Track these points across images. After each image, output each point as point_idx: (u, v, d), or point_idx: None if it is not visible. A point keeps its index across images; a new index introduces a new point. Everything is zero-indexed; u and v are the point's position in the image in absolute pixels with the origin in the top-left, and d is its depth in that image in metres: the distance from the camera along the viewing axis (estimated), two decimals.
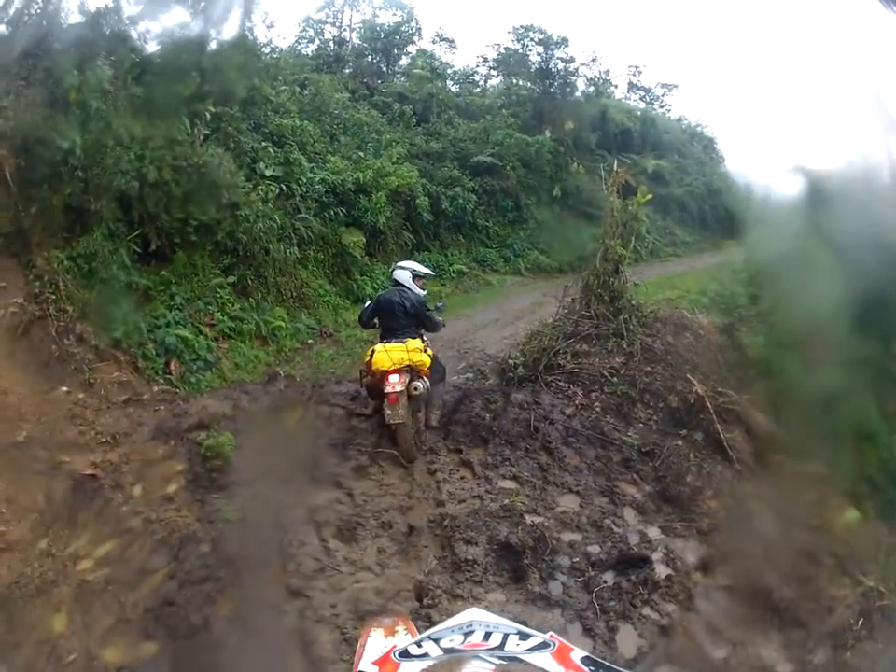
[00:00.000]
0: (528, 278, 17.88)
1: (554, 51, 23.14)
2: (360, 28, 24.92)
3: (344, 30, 24.92)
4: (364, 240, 15.77)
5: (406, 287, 8.60)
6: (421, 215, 17.51)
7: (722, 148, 24.05)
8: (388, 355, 7.86)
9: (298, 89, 18.97)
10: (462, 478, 8.08)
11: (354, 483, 7.90)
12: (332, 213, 15.56)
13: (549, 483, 7.99)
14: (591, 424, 8.96)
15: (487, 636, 1.85)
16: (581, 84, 24.02)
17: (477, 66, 25.53)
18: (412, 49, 25.28)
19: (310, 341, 13.21)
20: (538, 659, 1.67)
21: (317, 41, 24.98)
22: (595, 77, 24.30)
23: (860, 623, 7.25)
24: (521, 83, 23.79)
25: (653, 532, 7.52)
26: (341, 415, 9.32)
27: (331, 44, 24.72)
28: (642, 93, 26.21)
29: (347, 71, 23.91)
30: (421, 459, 8.38)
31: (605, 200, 11.11)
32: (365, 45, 24.79)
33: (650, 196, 11.35)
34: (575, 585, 6.66)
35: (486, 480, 7.98)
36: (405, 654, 1.80)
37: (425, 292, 8.90)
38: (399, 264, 9.07)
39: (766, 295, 11.12)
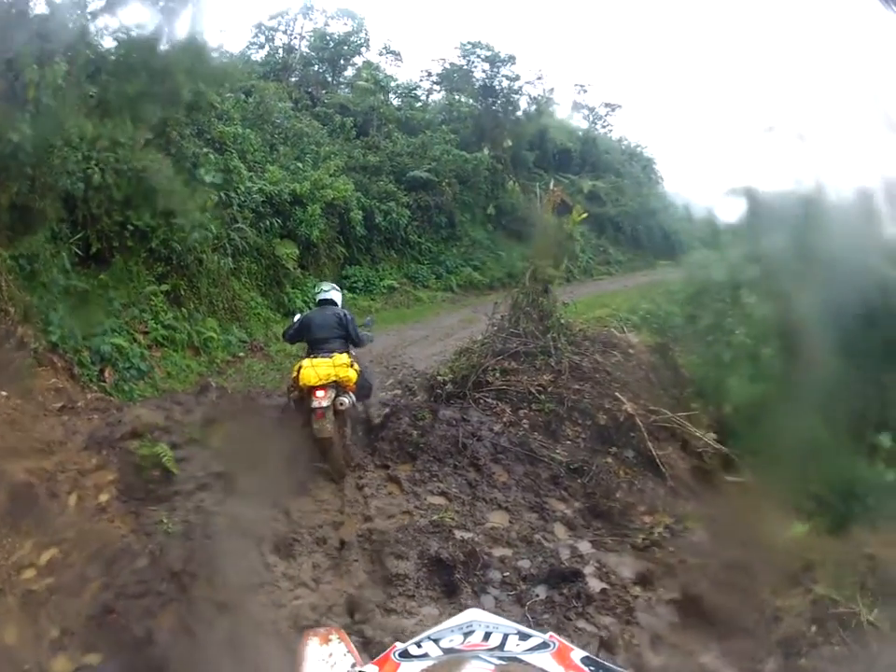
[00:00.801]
0: (460, 295, 17.99)
1: (500, 69, 23.25)
2: (310, 37, 24.77)
3: (294, 38, 24.82)
4: (297, 252, 15.76)
5: (336, 304, 8.73)
6: (354, 228, 17.53)
7: (661, 169, 24.43)
8: (315, 370, 7.85)
9: (243, 96, 18.82)
10: (390, 493, 8.08)
11: (290, 501, 7.83)
12: (268, 224, 15.51)
13: (478, 499, 8.04)
14: (519, 441, 8.98)
15: (487, 636, 1.86)
16: (523, 102, 24.15)
17: (420, 80, 25.54)
18: (358, 60, 25.24)
19: (241, 353, 13.17)
20: (537, 659, 1.68)
21: (267, 47, 24.84)
22: (539, 95, 24.43)
23: (812, 629, 7.44)
24: (463, 99, 23.79)
25: (584, 547, 7.59)
26: (274, 428, 9.33)
27: (280, 51, 24.58)
28: (586, 112, 26.50)
29: (294, 80, 23.80)
30: (350, 475, 8.34)
31: (539, 219, 11.26)
32: (313, 54, 24.65)
33: (584, 215, 11.52)
34: (507, 599, 6.70)
35: (415, 495, 8.00)
36: (405, 654, 1.82)
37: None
38: (325, 285, 9.13)
39: (705, 315, 11.33)
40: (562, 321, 10.75)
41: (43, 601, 6.40)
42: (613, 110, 26.60)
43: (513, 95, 23.80)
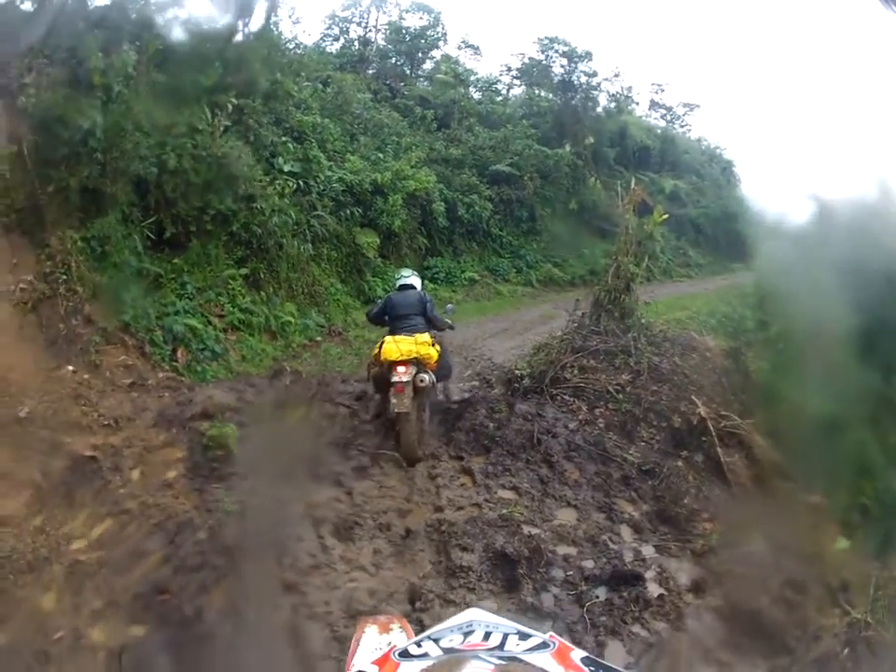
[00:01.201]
0: (539, 290, 17.81)
1: (578, 65, 23.08)
2: (386, 29, 24.79)
3: (370, 30, 24.86)
4: (378, 241, 15.82)
5: (417, 290, 8.94)
6: (436, 220, 17.53)
7: (740, 172, 24.00)
8: (397, 346, 8.06)
9: (320, 86, 18.95)
10: (462, 485, 8.08)
11: (354, 483, 7.91)
12: (348, 212, 15.57)
13: (548, 496, 7.98)
14: (593, 439, 8.93)
15: (487, 635, 1.85)
16: (602, 99, 23.96)
17: (500, 75, 25.39)
18: (436, 53, 25.17)
19: (318, 338, 13.22)
20: (537, 659, 1.67)
21: (342, 40, 24.83)
22: (617, 92, 24.22)
23: (845, 652, 7.29)
24: (543, 94, 23.70)
25: (648, 551, 7.50)
26: (345, 414, 9.40)
27: (356, 43, 24.63)
28: (663, 111, 26.13)
29: (371, 72, 23.88)
30: (422, 464, 8.39)
31: (620, 217, 11.13)
32: (389, 46, 24.70)
33: (666, 216, 11.41)
34: (567, 598, 6.63)
35: (486, 488, 7.98)
36: (405, 654, 1.80)
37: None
38: (405, 271, 9.44)
39: (774, 321, 11.12)
40: (643, 321, 10.72)
41: (90, 573, 6.53)
42: (691, 110, 26.27)
43: (592, 91, 23.66)
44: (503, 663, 1.61)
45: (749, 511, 8.76)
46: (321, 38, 24.60)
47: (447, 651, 1.78)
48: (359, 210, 15.88)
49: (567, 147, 20.33)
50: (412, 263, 16.10)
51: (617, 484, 8.38)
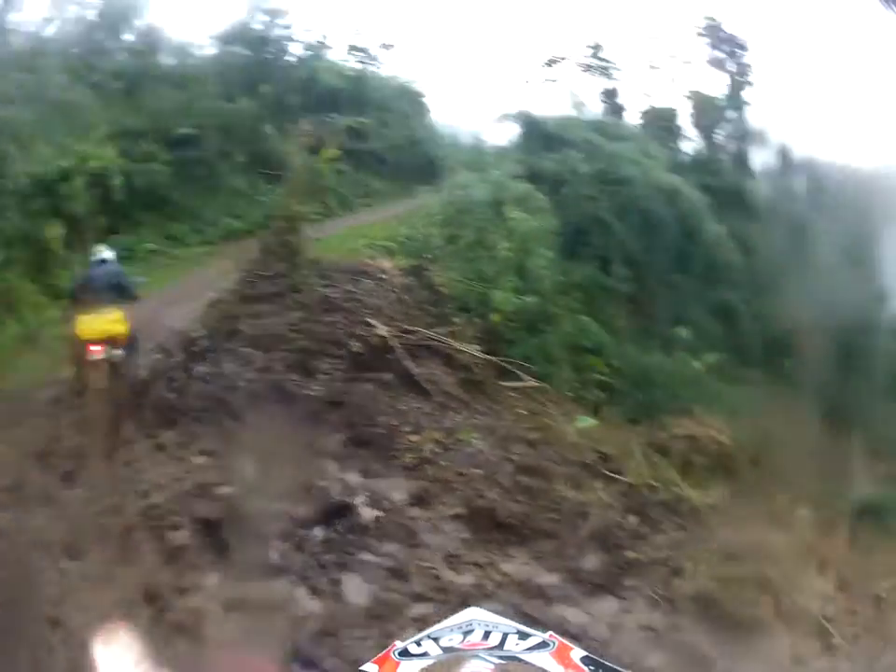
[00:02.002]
0: (221, 247, 16.43)
1: (275, 19, 22.68)
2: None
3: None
4: (64, 232, 14.63)
5: (108, 262, 9.48)
6: (114, 196, 16.43)
7: (431, 102, 24.44)
8: (90, 325, 8.42)
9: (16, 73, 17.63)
10: (160, 463, 7.90)
11: (64, 493, 7.60)
12: (37, 206, 14.58)
13: (242, 452, 7.91)
14: (275, 385, 8.87)
15: (486, 635, 1.73)
16: (296, 49, 23.65)
17: (193, 37, 24.55)
18: (139, 23, 23.98)
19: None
20: (537, 658, 1.55)
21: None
22: (313, 42, 23.97)
23: (630, 519, 7.81)
24: (235, 51, 23.14)
25: (354, 478, 7.63)
26: (44, 420, 9.02)
27: (61, 23, 23.07)
28: (361, 55, 26.09)
29: (75, 51, 22.51)
30: (123, 450, 8.18)
31: (291, 160, 11.15)
32: (96, 20, 23.30)
33: (336, 152, 11.47)
34: (289, 548, 6.66)
35: (180, 461, 7.86)
36: (405, 653, 1.66)
37: None
38: (98, 247, 9.83)
39: (466, 233, 11.47)
40: (311, 257, 10.73)
41: None
42: (388, 49, 26.37)
43: (285, 42, 23.30)
44: (503, 662, 1.50)
45: (462, 415, 9.08)
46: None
47: (447, 649, 1.66)
48: (48, 201, 14.96)
49: (250, 101, 19.99)
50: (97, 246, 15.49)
51: (308, 423, 8.34)
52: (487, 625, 1.76)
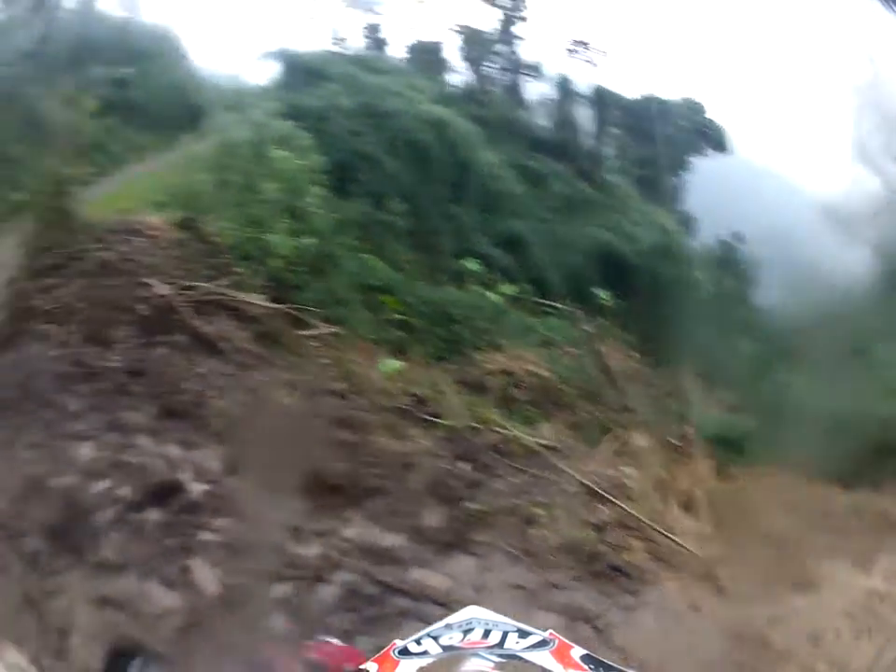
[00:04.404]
0: (11, 222, 15.91)
1: None
2: None
3: None
4: None
5: None
6: None
7: (190, 46, 23.54)
8: None
9: None
10: None
11: None
12: None
13: (62, 438, 7.48)
14: (75, 360, 8.39)
15: (486, 633, 1.83)
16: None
17: None
18: None
19: None
20: (537, 657, 1.67)
21: None
22: None
23: (460, 466, 7.86)
24: None
25: (174, 451, 7.39)
26: None
27: None
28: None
29: None
30: None
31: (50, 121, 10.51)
32: None
33: (95, 105, 11.09)
34: (128, 539, 6.40)
35: (11, 459, 7.21)
36: (405, 652, 1.79)
37: None
38: None
39: (234, 177, 11.06)
40: (86, 221, 10.23)
41: None
42: None
43: None
44: (503, 660, 1.65)
45: (260, 374, 8.76)
46: None
47: (447, 648, 1.78)
48: None
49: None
50: None
51: (115, 397, 7.99)
52: (487, 624, 1.93)
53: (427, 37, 16.33)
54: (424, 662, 1.74)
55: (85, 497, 6.71)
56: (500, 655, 1.70)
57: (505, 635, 1.83)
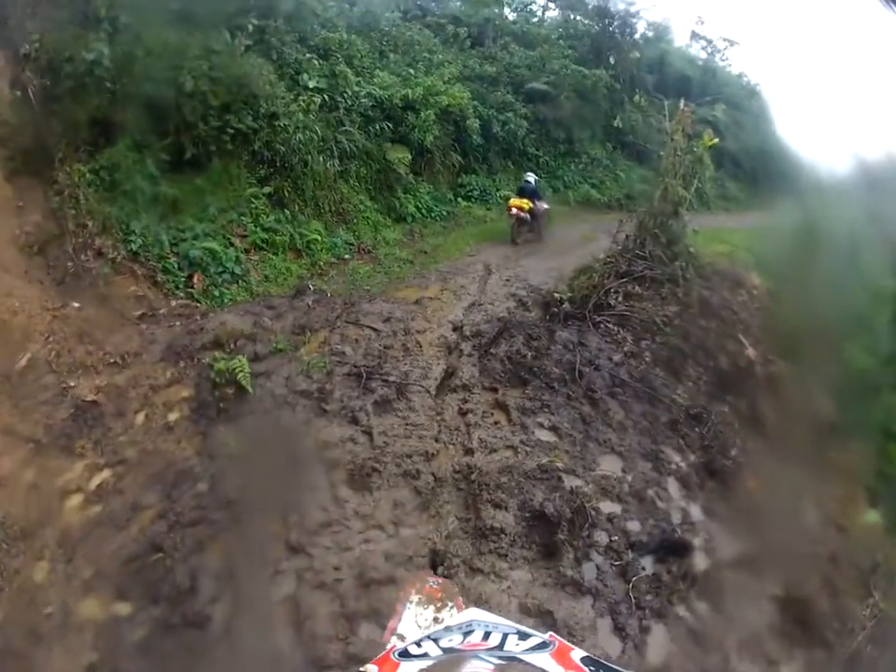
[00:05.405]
0: (577, 210, 17.07)
1: None
2: None
3: None
4: (410, 157, 15.17)
5: (530, 182, 14.93)
6: (471, 137, 16.86)
7: (776, 113, 23.26)
8: (514, 202, 14.28)
9: (347, 6, 18.20)
10: (496, 423, 7.45)
11: (374, 420, 7.33)
12: (378, 128, 14.88)
13: (590, 439, 7.35)
14: (639, 375, 8.32)
15: (486, 635, 1.85)
16: (641, 27, 23.13)
17: None
18: None
19: (346, 256, 12.64)
20: (537, 659, 1.67)
21: None
22: (656, 21, 23.41)
23: (868, 647, 6.66)
24: (578, 18, 22.84)
25: (696, 511, 6.91)
26: (370, 338, 8.83)
27: None
28: (704, 44, 25.24)
29: None
30: (452, 396, 7.84)
31: (665, 139, 10.51)
32: None
33: (716, 140, 10.71)
34: (611, 570, 6.08)
35: (522, 428, 7.34)
36: (405, 654, 1.80)
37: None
38: (528, 175, 15.31)
39: (820, 269, 10.44)
40: (691, 249, 10.08)
41: (81, 537, 6.23)
42: (731, 45, 25.33)
43: (630, 18, 22.66)
44: (503, 662, 1.63)
45: (789, 471, 8.15)
46: None
47: (447, 650, 1.79)
48: (390, 125, 15.21)
49: (606, 70, 19.57)
50: (444, 180, 16.07)
51: (664, 429, 7.73)
52: (487, 626, 1.92)
53: None
54: (424, 664, 1.70)
55: (588, 509, 6.48)
56: (500, 657, 1.66)
57: (505, 637, 1.80)
